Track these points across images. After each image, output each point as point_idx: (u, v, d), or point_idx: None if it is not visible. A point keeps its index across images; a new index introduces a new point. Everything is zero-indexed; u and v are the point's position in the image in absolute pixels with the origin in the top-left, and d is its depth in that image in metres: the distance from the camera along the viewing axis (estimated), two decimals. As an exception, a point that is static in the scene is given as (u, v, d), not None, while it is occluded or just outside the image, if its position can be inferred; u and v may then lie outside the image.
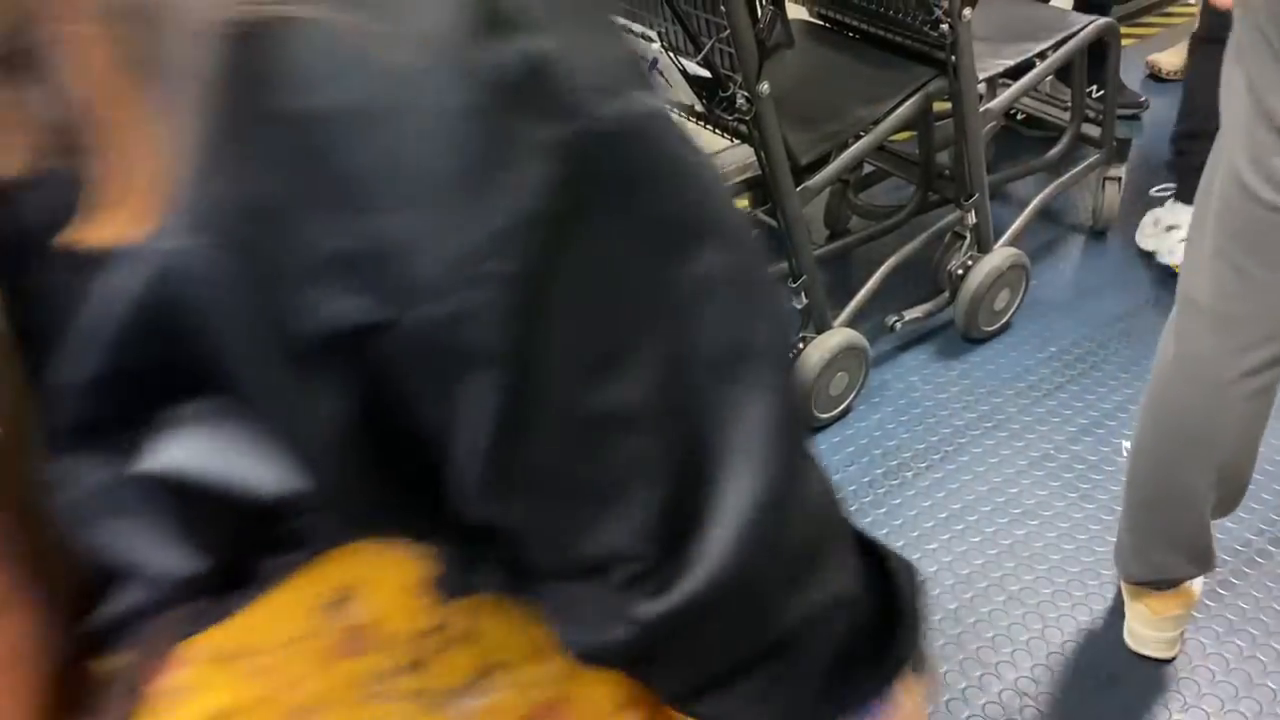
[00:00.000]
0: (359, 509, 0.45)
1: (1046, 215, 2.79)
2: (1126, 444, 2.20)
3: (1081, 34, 2.45)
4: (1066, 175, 2.69)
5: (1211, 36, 2.08)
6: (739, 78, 1.82)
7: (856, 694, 0.54)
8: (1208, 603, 1.87)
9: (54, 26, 0.36)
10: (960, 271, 2.41)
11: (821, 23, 2.47)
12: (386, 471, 0.44)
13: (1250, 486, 1.87)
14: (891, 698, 0.55)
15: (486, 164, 0.37)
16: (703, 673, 0.50)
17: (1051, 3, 2.91)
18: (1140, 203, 2.85)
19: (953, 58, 2.11)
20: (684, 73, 1.83)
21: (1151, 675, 1.76)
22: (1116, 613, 1.87)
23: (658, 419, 0.43)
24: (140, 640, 0.48)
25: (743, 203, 2.87)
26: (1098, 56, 2.61)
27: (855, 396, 2.31)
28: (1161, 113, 3.09)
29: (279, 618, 0.50)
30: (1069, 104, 2.73)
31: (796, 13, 2.47)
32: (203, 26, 0.36)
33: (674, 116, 0.43)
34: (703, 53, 1.78)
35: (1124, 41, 2.72)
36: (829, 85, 2.21)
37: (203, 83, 0.36)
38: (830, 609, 0.51)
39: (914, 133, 2.60)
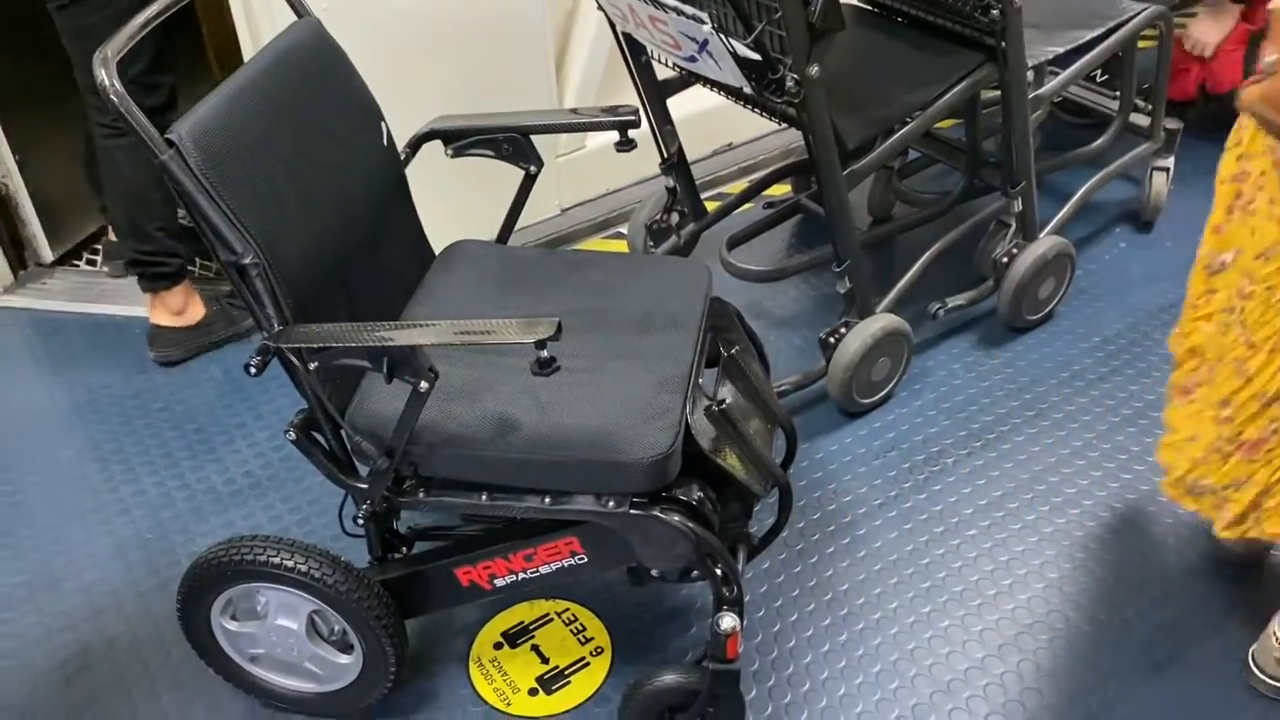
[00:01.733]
0: None
1: (1093, 204, 2.77)
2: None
3: (1133, 21, 2.43)
4: (1115, 164, 2.67)
5: None
6: (789, 60, 1.82)
7: None
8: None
9: None
10: (1005, 259, 2.40)
11: (871, 8, 2.46)
12: None
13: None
14: None
15: None
16: None
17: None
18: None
19: (1003, 44, 2.09)
20: (734, 55, 1.83)
21: (1193, 664, 1.76)
22: (1161, 604, 1.87)
23: None
24: None
25: (785, 187, 2.87)
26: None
27: (897, 383, 2.31)
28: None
29: None
30: (1117, 92, 2.71)
31: (845, -3, 2.46)
32: None
33: None
34: (754, 35, 1.78)
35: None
36: (877, 70, 2.20)
37: None
38: None
39: (959, 120, 2.60)
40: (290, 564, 1.51)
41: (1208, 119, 3.02)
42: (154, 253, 2.37)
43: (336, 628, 1.63)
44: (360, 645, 1.59)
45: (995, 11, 2.04)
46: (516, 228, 1.88)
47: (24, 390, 2.43)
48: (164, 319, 2.45)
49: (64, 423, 2.33)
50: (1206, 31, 2.92)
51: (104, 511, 2.11)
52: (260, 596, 1.60)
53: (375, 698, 1.66)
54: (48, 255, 2.79)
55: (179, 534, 2.05)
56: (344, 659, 1.64)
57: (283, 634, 1.61)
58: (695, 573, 1.57)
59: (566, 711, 1.73)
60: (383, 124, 1.67)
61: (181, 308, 2.45)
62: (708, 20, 1.78)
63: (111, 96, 1.24)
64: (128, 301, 2.66)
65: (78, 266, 2.81)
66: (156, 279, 2.40)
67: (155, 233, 2.35)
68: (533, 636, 1.85)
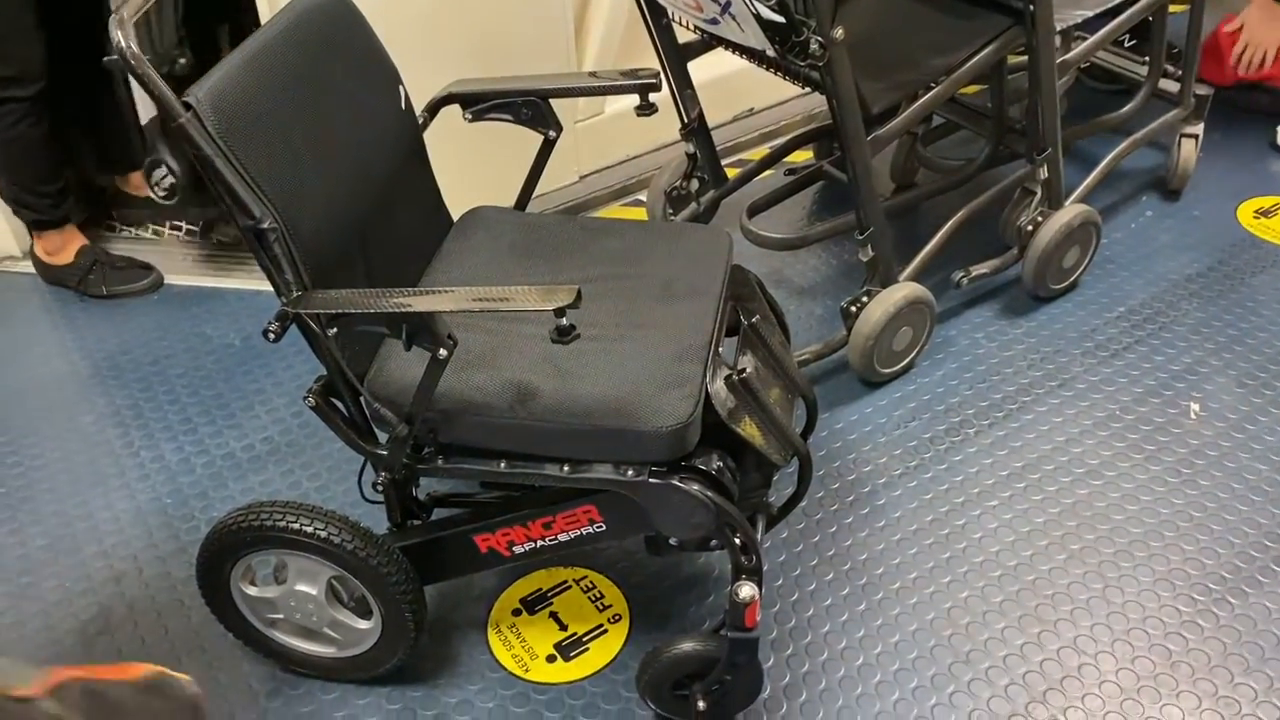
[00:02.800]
0: None
1: (1119, 172, 2.73)
2: (1195, 406, 2.18)
3: (1165, -15, 2.38)
4: (1143, 131, 2.62)
5: None
6: (813, 22, 1.79)
7: None
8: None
9: None
10: (1030, 228, 2.36)
11: (895, -30, 2.41)
12: None
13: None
14: None
15: None
16: None
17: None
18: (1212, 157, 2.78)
19: (1031, 7, 2.05)
20: (757, 16, 1.80)
21: (1206, 638, 1.75)
22: (1178, 574, 1.85)
23: None
24: None
25: (807, 153, 2.84)
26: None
27: (919, 352, 2.29)
28: None
29: None
30: (1146, 58, 2.66)
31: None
32: None
33: None
34: (777, -3, 1.76)
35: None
36: (903, 33, 2.16)
37: None
38: None
39: (985, 85, 2.55)
40: (310, 529, 1.51)
41: (1242, 88, 2.97)
42: (37, 204, 2.55)
43: (356, 593, 1.63)
44: (379, 611, 1.60)
45: (1024, -27, 2.00)
46: (536, 194, 1.86)
47: (44, 356, 2.44)
48: (40, 253, 2.63)
49: (84, 389, 2.34)
50: (1266, 33, 2.82)
51: (124, 477, 2.12)
52: (279, 562, 1.61)
53: (394, 662, 1.67)
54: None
55: (198, 500, 2.06)
56: (363, 624, 1.64)
57: (302, 599, 1.62)
58: (714, 542, 1.56)
59: (584, 678, 1.73)
60: (400, 87, 1.65)
61: (54, 250, 2.62)
62: (730, -18, 1.75)
63: (129, 59, 1.23)
64: (147, 267, 2.67)
65: (98, 232, 2.81)
66: (39, 224, 2.59)
67: (41, 188, 2.53)
68: (551, 604, 1.85)
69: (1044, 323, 2.41)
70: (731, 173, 2.57)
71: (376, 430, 1.52)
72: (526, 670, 1.75)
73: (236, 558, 1.59)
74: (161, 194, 2.46)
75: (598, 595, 1.86)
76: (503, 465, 1.49)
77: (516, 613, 1.84)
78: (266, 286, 1.37)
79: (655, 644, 1.61)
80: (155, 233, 2.81)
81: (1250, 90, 2.99)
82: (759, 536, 1.60)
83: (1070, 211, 2.36)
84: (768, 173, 2.64)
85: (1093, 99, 2.98)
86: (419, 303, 1.32)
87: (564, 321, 1.27)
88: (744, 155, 3.02)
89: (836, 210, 2.71)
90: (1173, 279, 2.51)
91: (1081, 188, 2.49)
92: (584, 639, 1.79)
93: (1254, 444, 2.09)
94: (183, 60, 2.45)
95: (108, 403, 2.30)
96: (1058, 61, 2.20)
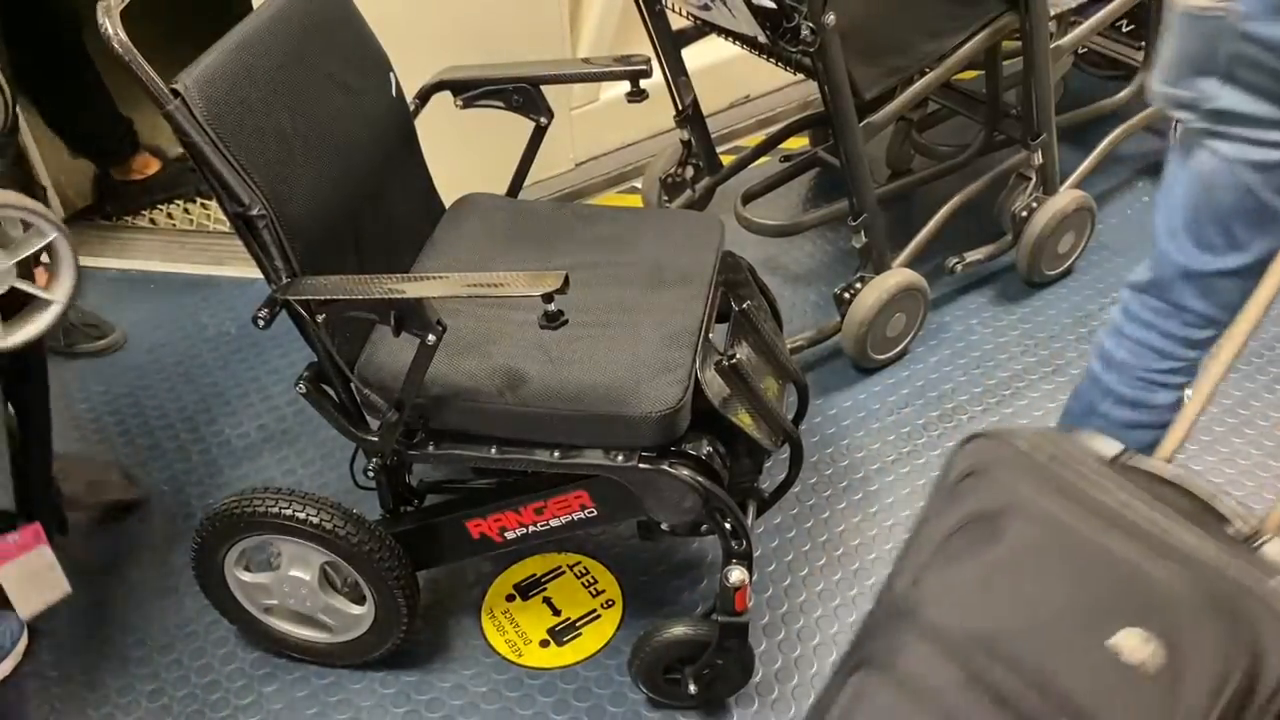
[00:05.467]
0: None
1: (1115, 157, 2.72)
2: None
3: (1160, -31, 2.37)
4: (1139, 116, 2.62)
5: None
6: (804, 8, 1.78)
7: None
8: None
9: None
10: (1024, 214, 2.36)
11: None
12: None
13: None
14: None
15: None
16: None
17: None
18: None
19: (1025, -9, 2.05)
20: (749, 2, 1.80)
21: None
22: (1172, 559, 1.86)
23: None
24: None
25: (803, 140, 2.84)
26: None
27: (913, 338, 2.29)
28: None
29: None
30: (1142, 43, 2.65)
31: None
32: None
33: None
34: (768, -17, 1.76)
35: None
36: (895, 18, 2.15)
37: None
38: None
39: (980, 71, 2.55)
40: (301, 516, 1.52)
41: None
42: None
43: (349, 579, 1.64)
44: (373, 597, 1.61)
45: (1017, -42, 1.99)
46: (531, 182, 1.86)
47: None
48: None
49: (78, 378, 2.34)
50: None
51: (119, 465, 2.13)
52: (273, 548, 1.62)
53: (388, 647, 1.68)
54: (59, 210, 2.79)
55: (194, 487, 2.07)
56: (357, 610, 1.65)
57: (296, 585, 1.62)
58: (705, 527, 1.57)
59: (577, 663, 1.74)
60: (391, 74, 1.65)
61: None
62: (721, -33, 1.75)
63: (115, 46, 1.23)
64: (143, 256, 2.67)
65: (93, 221, 2.81)
66: None
67: None
68: (545, 589, 1.86)
69: (1039, 309, 2.41)
70: (727, 160, 2.56)
71: (368, 417, 1.53)
72: (520, 655, 1.76)
73: (230, 544, 1.60)
74: None
75: (591, 580, 1.87)
76: (493, 451, 1.49)
77: (510, 598, 1.85)
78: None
79: (647, 628, 1.61)
80: (151, 220, 2.81)
81: None
82: (750, 522, 1.60)
83: (1065, 197, 2.36)
84: (763, 159, 2.63)
85: (1088, 84, 2.97)
86: (408, 288, 1.32)
87: (552, 307, 1.27)
88: (739, 142, 3.01)
89: (832, 197, 2.70)
90: (1168, 264, 2.50)
91: (1077, 173, 2.48)
92: (577, 624, 1.80)
93: (1247, 429, 2.09)
94: None
95: (103, 391, 2.30)
96: (1052, 46, 2.20)
